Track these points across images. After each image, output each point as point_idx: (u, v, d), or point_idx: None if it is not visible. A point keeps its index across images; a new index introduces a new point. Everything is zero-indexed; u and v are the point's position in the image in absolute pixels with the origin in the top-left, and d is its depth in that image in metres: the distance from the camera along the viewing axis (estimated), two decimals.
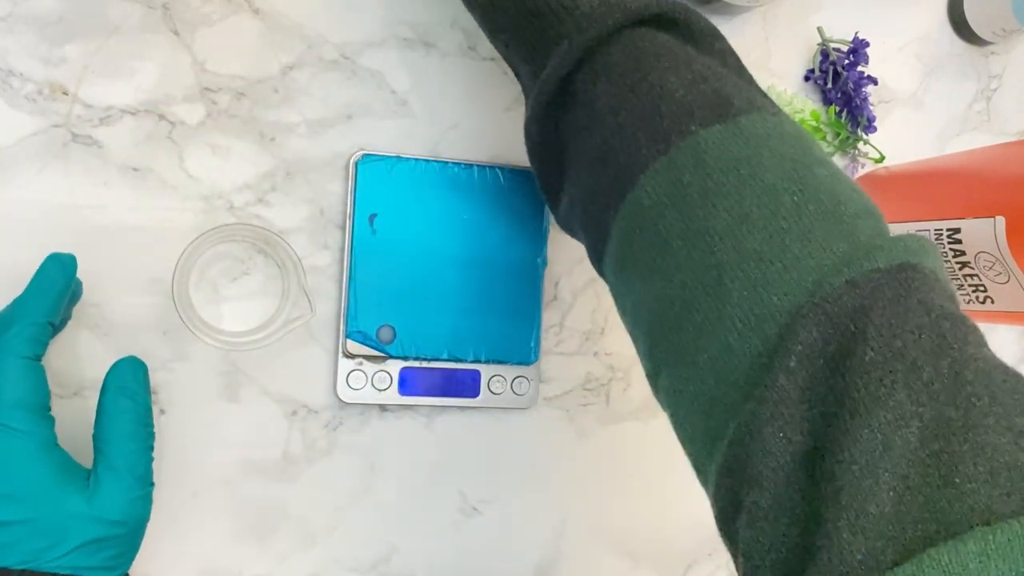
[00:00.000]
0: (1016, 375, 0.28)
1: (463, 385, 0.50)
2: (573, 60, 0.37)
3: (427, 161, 0.49)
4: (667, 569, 0.54)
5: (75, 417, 0.44)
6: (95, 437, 0.39)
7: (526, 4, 0.38)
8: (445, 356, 0.49)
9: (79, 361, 0.46)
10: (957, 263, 0.44)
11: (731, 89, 0.34)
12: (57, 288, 0.39)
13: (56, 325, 0.40)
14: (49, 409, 0.38)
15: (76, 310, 0.45)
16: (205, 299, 0.46)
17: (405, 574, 0.51)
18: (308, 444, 0.49)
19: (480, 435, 0.51)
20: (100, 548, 0.37)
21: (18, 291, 0.45)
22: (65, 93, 0.46)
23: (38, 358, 0.38)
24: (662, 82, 0.34)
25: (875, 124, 0.56)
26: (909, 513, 0.25)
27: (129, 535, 0.38)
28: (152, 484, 0.40)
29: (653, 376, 0.36)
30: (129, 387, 0.40)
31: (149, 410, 0.41)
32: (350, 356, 0.48)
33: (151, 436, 0.40)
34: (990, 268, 0.43)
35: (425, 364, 0.49)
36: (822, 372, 0.28)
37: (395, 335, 0.48)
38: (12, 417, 0.36)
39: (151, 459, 0.40)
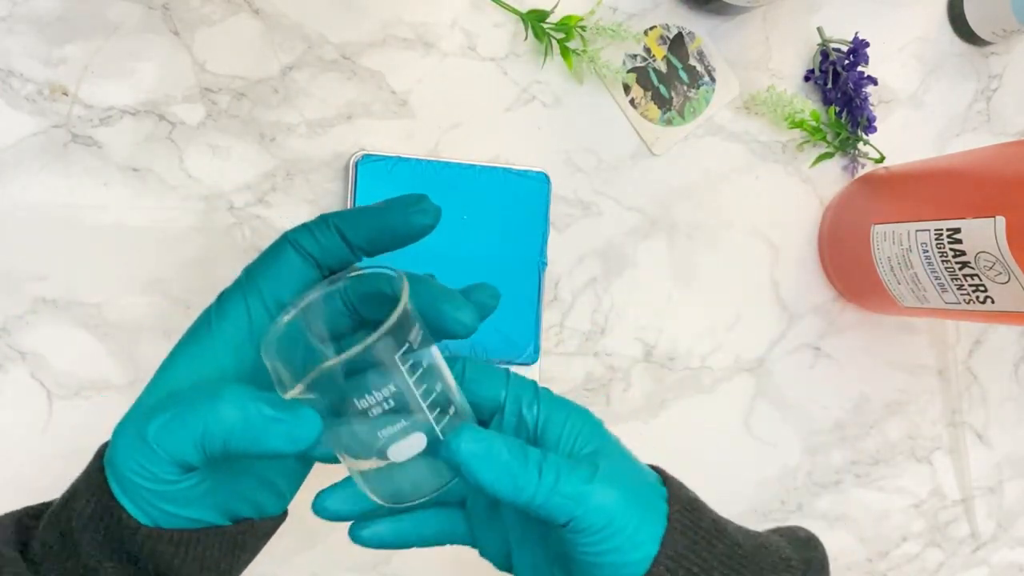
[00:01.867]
0: None
1: None
2: None
3: (427, 161, 0.49)
4: None
5: (75, 417, 0.44)
6: None
7: None
8: (445, 356, 0.49)
9: (79, 361, 0.46)
10: (957, 263, 0.44)
11: None
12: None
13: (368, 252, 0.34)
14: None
15: (75, 312, 0.45)
16: None
17: (405, 574, 0.51)
18: None
19: None
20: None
21: (16, 291, 0.45)
22: (65, 93, 0.46)
23: (316, 264, 0.32)
24: None
25: (875, 124, 0.56)
26: None
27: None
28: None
29: None
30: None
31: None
32: None
33: None
34: (990, 268, 0.43)
35: None
36: None
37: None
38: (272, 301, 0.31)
39: None
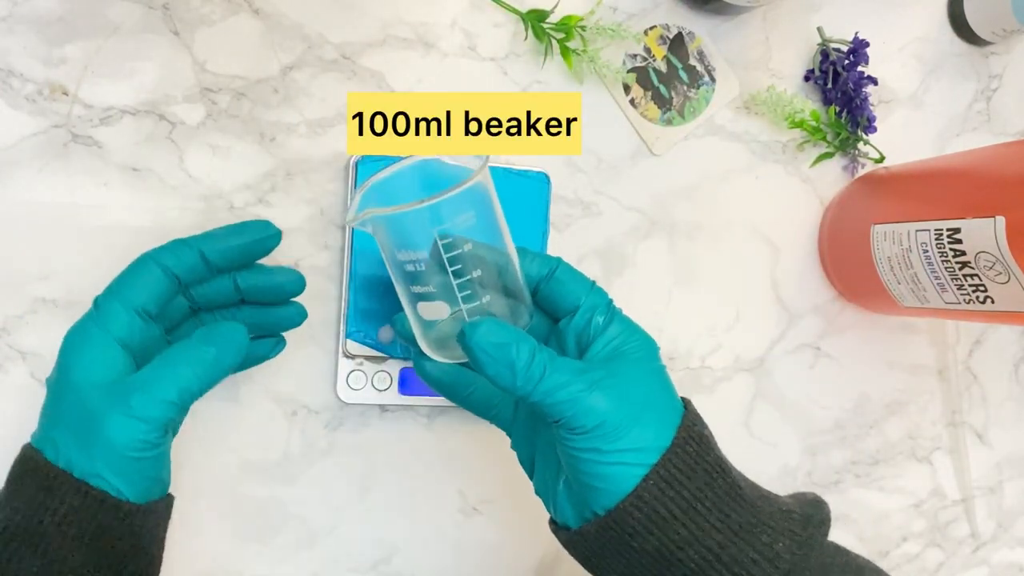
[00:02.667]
0: None
1: None
2: None
3: (427, 161, 0.49)
4: None
5: None
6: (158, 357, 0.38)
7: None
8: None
9: None
10: (957, 263, 0.44)
11: None
12: (242, 240, 0.39)
13: (222, 269, 0.40)
14: (155, 322, 0.38)
15: (75, 312, 0.45)
16: None
17: (405, 574, 0.51)
18: (308, 444, 0.49)
19: (480, 435, 0.51)
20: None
21: (16, 291, 0.45)
22: (65, 93, 0.46)
23: (176, 279, 0.38)
24: None
25: (875, 124, 0.56)
26: None
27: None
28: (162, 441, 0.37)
29: None
30: (229, 346, 0.38)
31: (217, 377, 0.38)
32: (350, 356, 0.48)
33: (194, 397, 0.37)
34: (990, 268, 0.43)
35: None
36: None
37: (395, 335, 0.48)
38: (110, 305, 0.37)
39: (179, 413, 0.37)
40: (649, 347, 0.39)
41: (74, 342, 0.37)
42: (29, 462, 0.36)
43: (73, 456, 0.35)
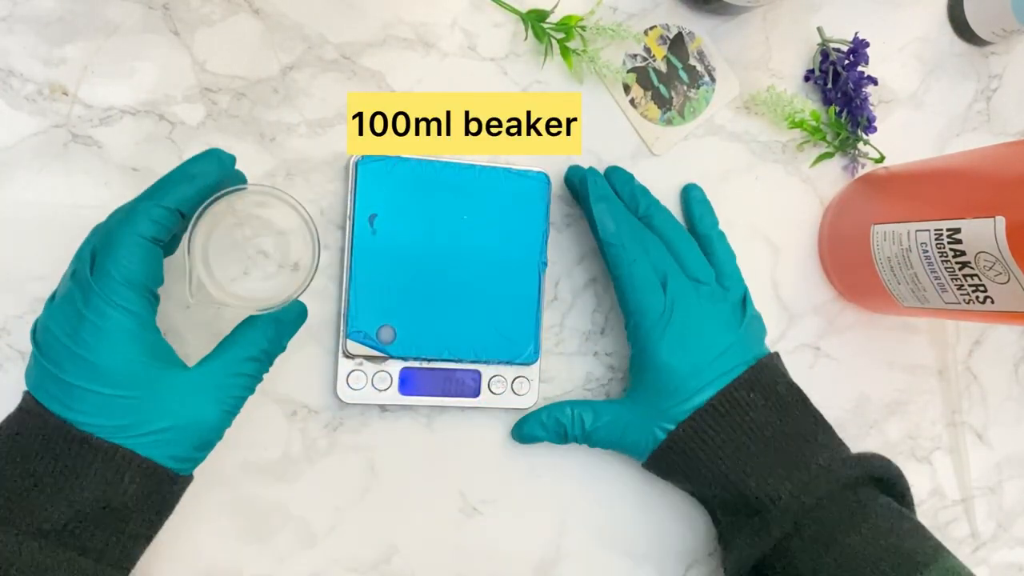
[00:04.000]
0: None
1: (463, 385, 0.50)
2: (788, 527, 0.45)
3: (428, 161, 0.49)
4: (667, 569, 0.54)
5: None
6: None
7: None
8: (445, 356, 0.49)
9: None
10: (957, 263, 0.44)
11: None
12: (202, 181, 0.39)
13: (185, 215, 0.39)
14: (154, 293, 0.39)
15: None
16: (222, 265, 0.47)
17: (405, 574, 0.51)
18: (308, 444, 0.49)
19: (480, 435, 0.51)
20: (178, 438, 0.38)
21: (16, 291, 0.45)
22: (65, 93, 0.46)
23: (157, 241, 0.38)
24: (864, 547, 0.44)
25: (875, 124, 0.56)
26: None
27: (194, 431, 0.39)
28: (236, 406, 0.41)
29: None
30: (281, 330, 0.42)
31: (269, 361, 0.42)
32: (350, 356, 0.48)
33: (254, 380, 0.41)
34: (990, 268, 0.43)
35: (425, 364, 0.49)
36: None
37: (395, 335, 0.48)
38: (115, 292, 0.37)
39: (245, 392, 0.41)
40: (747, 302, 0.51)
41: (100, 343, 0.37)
42: (76, 441, 0.36)
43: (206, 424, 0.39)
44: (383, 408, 0.50)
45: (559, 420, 0.49)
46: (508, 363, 0.50)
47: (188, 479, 0.40)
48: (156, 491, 0.38)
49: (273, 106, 0.48)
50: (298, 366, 0.48)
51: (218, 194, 0.39)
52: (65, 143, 0.46)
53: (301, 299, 0.43)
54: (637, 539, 0.54)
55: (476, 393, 0.50)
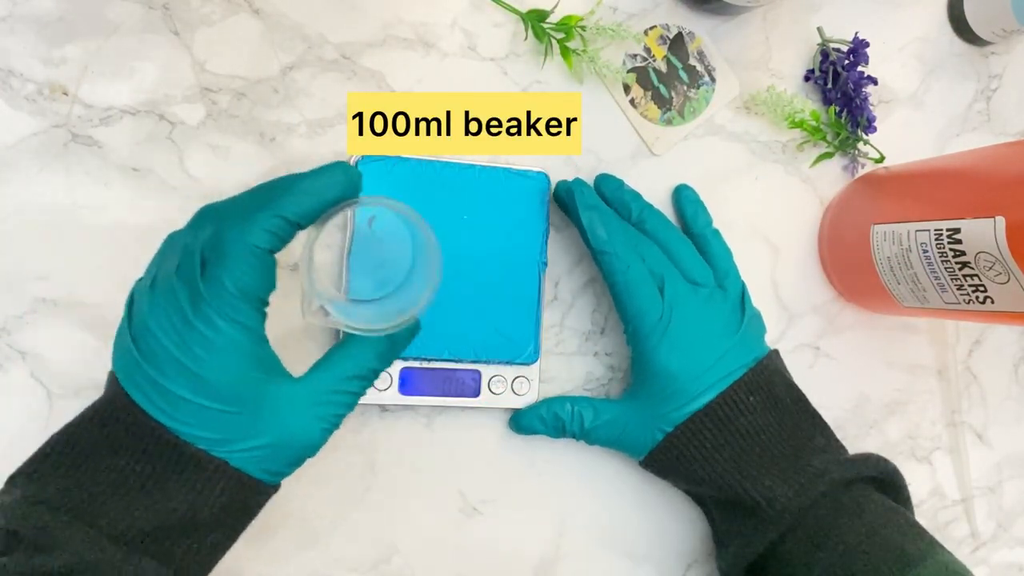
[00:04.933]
0: None
1: (463, 385, 0.50)
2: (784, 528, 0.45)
3: (427, 161, 0.49)
4: (667, 569, 0.54)
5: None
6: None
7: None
8: (445, 356, 0.49)
9: (79, 361, 0.46)
10: (957, 263, 0.44)
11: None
12: (326, 196, 0.36)
13: (303, 227, 0.37)
14: (266, 304, 0.37)
15: (75, 312, 0.45)
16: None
17: (405, 574, 0.51)
18: None
19: (480, 435, 0.51)
20: (276, 454, 0.37)
21: (16, 291, 0.45)
22: (65, 93, 0.46)
23: (271, 252, 0.36)
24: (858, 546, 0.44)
25: (875, 124, 0.56)
26: None
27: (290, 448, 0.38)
28: (335, 424, 0.39)
29: None
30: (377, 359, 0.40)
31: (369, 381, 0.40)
32: None
33: (356, 397, 0.40)
34: (990, 268, 0.43)
35: (425, 364, 0.49)
36: None
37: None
38: (229, 304, 0.35)
39: (347, 408, 0.39)
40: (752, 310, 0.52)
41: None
42: (168, 447, 0.35)
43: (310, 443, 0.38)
44: (383, 408, 0.50)
45: (558, 415, 0.49)
46: (508, 363, 0.50)
47: (275, 488, 0.39)
48: (243, 502, 0.37)
49: (273, 106, 0.48)
50: (298, 366, 0.48)
51: (335, 208, 0.37)
52: (65, 143, 0.46)
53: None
54: (637, 539, 0.54)
55: (476, 393, 0.50)
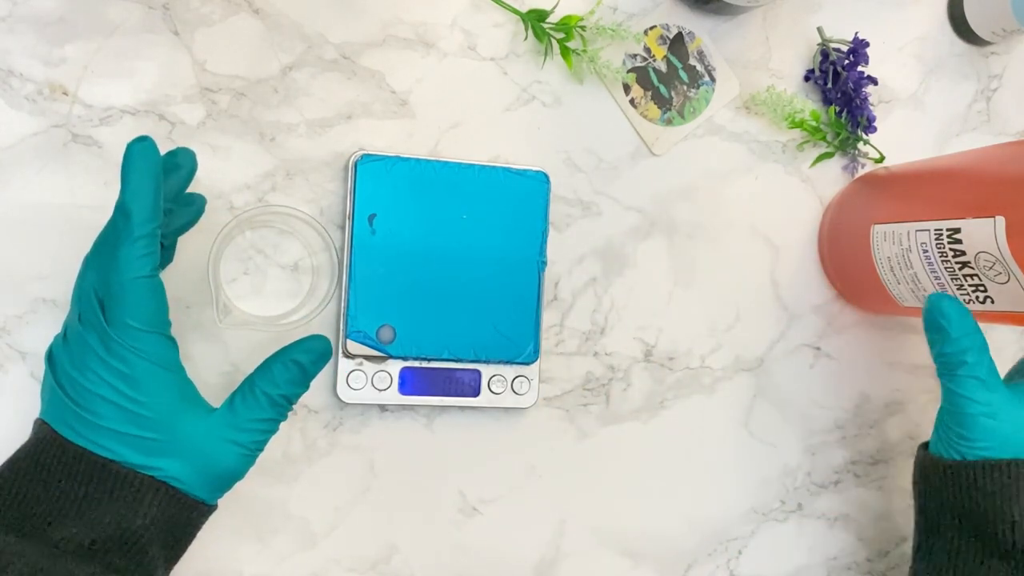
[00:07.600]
0: None
1: (463, 385, 0.50)
2: None
3: (427, 161, 0.49)
4: (667, 569, 0.54)
5: None
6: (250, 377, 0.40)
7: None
8: (445, 356, 0.49)
9: None
10: (957, 263, 0.44)
11: None
12: (148, 187, 0.37)
13: (167, 211, 0.39)
14: (169, 326, 0.39)
15: None
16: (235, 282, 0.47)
17: (405, 574, 0.51)
18: (308, 444, 0.49)
19: (480, 435, 0.51)
20: (198, 479, 0.38)
21: (16, 291, 0.45)
22: (65, 93, 0.46)
23: (153, 273, 0.37)
24: None
25: (875, 124, 0.56)
26: None
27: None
28: (256, 449, 0.40)
29: None
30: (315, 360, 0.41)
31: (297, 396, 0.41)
32: (350, 356, 0.48)
33: (274, 423, 0.40)
34: (990, 268, 0.43)
35: (425, 364, 0.49)
36: None
37: (395, 335, 0.48)
38: (137, 340, 0.37)
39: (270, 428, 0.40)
40: None
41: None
42: (97, 467, 0.37)
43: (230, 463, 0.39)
44: (383, 408, 0.50)
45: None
46: (508, 363, 0.50)
47: (212, 507, 0.40)
48: (177, 517, 0.38)
49: (273, 106, 0.48)
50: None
51: (233, 218, 0.40)
52: (65, 143, 0.46)
53: (323, 333, 0.44)
54: (637, 539, 0.54)
55: (476, 393, 0.50)
